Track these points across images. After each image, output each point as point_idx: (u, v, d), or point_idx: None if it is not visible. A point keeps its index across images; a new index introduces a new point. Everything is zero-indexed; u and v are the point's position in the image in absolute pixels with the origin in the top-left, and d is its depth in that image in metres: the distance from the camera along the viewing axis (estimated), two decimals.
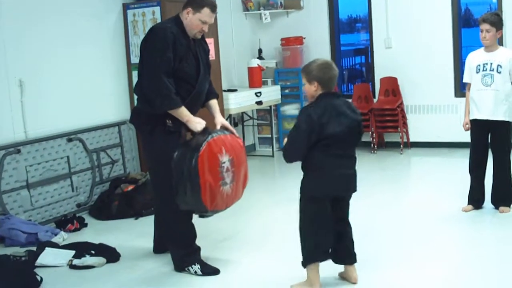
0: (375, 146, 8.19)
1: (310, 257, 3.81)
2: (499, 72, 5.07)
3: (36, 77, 5.72)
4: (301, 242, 3.84)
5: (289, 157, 3.78)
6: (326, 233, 3.77)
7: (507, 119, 5.13)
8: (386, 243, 4.73)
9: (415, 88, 8.11)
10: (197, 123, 4.12)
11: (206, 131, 4.09)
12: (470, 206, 5.36)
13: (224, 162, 4.06)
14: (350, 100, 3.96)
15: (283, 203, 5.92)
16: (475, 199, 5.36)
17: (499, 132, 5.16)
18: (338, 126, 3.65)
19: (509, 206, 5.25)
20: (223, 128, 4.30)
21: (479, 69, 5.16)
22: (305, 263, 3.84)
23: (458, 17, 8.00)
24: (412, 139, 8.25)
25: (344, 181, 3.78)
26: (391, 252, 4.52)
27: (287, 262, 4.37)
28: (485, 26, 5.07)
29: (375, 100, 8.42)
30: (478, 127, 5.23)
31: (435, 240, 4.78)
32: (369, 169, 7.21)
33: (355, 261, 3.96)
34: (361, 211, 5.21)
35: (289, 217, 5.08)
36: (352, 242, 3.95)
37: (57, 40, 5.93)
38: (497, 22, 5.05)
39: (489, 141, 5.24)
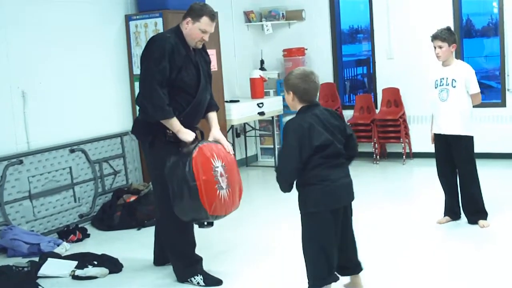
0: (377, 157, 8.19)
1: (320, 281, 3.67)
2: (454, 87, 5.11)
3: (38, 88, 5.74)
4: (306, 264, 3.70)
5: (284, 179, 3.64)
6: (332, 250, 3.67)
7: (464, 134, 5.15)
8: (387, 254, 4.71)
9: (417, 98, 8.10)
10: (187, 134, 4.14)
11: (196, 141, 4.13)
12: (446, 218, 5.36)
13: (217, 167, 4.07)
14: (333, 109, 3.91)
15: (286, 213, 5.89)
16: (450, 210, 5.36)
17: (459, 146, 5.18)
18: (327, 135, 3.58)
19: (486, 219, 5.23)
20: (215, 141, 4.31)
21: (437, 84, 5.22)
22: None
23: (459, 27, 8.02)
24: (415, 149, 8.25)
25: (346, 189, 3.71)
26: (391, 263, 4.51)
27: (289, 273, 4.37)
28: (437, 43, 5.13)
29: (377, 111, 8.42)
30: (439, 141, 5.31)
31: (437, 251, 4.77)
32: (371, 180, 7.21)
33: (361, 269, 3.91)
34: (362, 222, 5.21)
35: (291, 228, 5.07)
36: (356, 251, 3.91)
37: (59, 52, 5.95)
38: (448, 37, 5.09)
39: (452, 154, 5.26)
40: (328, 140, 3.58)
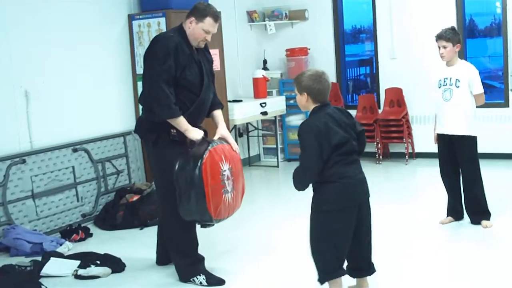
0: (380, 157, 8.18)
1: (330, 275, 3.66)
2: (458, 87, 5.10)
3: (41, 88, 5.75)
4: (315, 259, 3.69)
5: (306, 182, 3.62)
6: (344, 247, 3.67)
7: (468, 134, 5.15)
8: (390, 254, 4.70)
9: (420, 98, 8.09)
10: (195, 132, 4.14)
11: (204, 141, 4.12)
12: (449, 218, 5.35)
13: (224, 171, 4.08)
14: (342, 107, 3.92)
15: (288, 213, 5.91)
16: (453, 210, 5.35)
17: (462, 146, 5.18)
18: (342, 133, 3.60)
19: (489, 219, 5.22)
20: (222, 139, 4.31)
21: (440, 84, 5.21)
22: (324, 279, 3.69)
23: (462, 27, 8.00)
24: (417, 149, 8.24)
25: (362, 185, 3.73)
26: (394, 263, 4.51)
27: (292, 272, 4.37)
28: (441, 43, 5.12)
29: (380, 111, 8.41)
30: (442, 140, 5.30)
31: (440, 251, 4.77)
32: (374, 180, 7.13)
33: (373, 271, 3.89)
34: None
35: (293, 228, 5.08)
36: (370, 252, 3.87)
37: (62, 51, 5.96)
38: (452, 37, 5.08)
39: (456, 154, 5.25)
40: (344, 138, 3.60)
